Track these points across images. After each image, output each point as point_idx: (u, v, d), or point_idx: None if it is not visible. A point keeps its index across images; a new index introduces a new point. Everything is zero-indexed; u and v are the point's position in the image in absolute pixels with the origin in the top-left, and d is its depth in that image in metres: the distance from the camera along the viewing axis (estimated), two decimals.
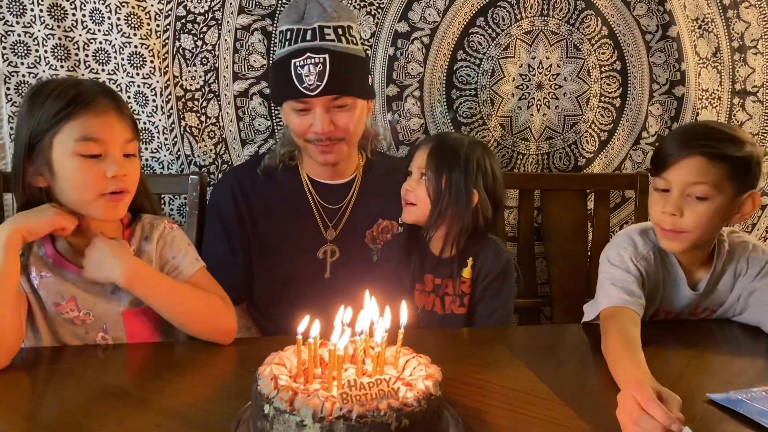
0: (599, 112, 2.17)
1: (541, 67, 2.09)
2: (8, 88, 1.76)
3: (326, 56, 1.54)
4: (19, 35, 1.74)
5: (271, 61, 1.90)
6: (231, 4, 1.86)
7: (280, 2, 1.87)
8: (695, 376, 1.18)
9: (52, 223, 1.19)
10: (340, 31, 1.57)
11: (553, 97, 2.12)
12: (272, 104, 1.93)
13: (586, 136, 2.16)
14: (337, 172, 1.71)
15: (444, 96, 2.04)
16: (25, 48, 1.75)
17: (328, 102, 1.57)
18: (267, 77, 1.92)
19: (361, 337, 0.94)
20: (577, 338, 1.39)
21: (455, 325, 1.54)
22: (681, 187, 1.31)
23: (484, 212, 1.53)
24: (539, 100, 2.11)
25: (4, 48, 1.74)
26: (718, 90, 2.24)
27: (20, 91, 1.77)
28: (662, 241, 1.38)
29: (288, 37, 1.58)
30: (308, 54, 1.54)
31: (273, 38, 1.89)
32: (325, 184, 1.72)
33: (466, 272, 1.54)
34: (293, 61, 1.55)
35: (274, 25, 1.88)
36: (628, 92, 2.18)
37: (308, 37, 1.55)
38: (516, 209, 2.09)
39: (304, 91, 1.55)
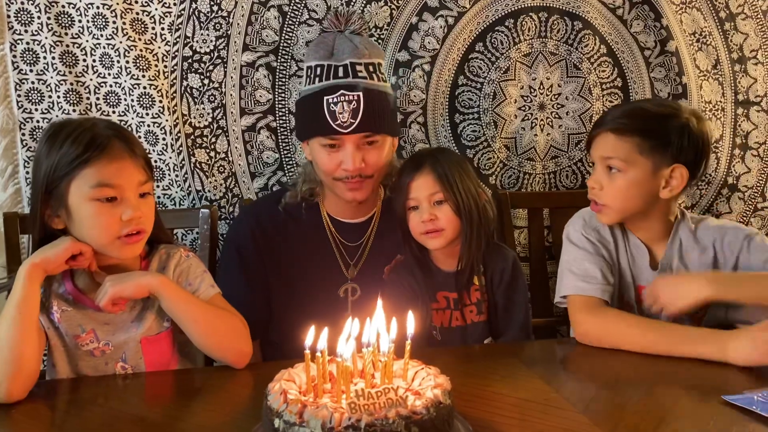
0: None
1: (542, 87, 2.12)
2: (23, 134, 1.82)
3: (360, 93, 1.53)
4: (32, 83, 1.80)
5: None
6: (235, 42, 1.91)
7: (282, 38, 1.93)
8: (709, 379, 1.17)
9: (67, 249, 1.21)
10: (371, 68, 1.57)
11: (556, 116, 2.14)
12: (279, 137, 1.97)
13: None
14: (359, 209, 1.69)
15: (447, 120, 2.07)
16: (38, 95, 1.81)
17: (359, 139, 1.55)
18: (273, 111, 1.96)
19: (369, 350, 0.95)
20: (591, 350, 1.38)
21: (478, 333, 1.54)
22: (599, 162, 1.42)
23: (491, 210, 1.59)
24: (542, 120, 2.13)
25: (19, 96, 1.80)
26: (721, 101, 2.25)
27: (35, 137, 1.82)
28: (596, 215, 1.47)
29: (318, 73, 1.57)
30: (342, 91, 1.53)
31: (279, 73, 1.94)
32: (344, 222, 1.70)
33: (477, 279, 1.55)
34: (326, 97, 1.53)
35: (278, 60, 1.93)
36: None
37: (340, 73, 1.55)
38: (526, 229, 2.09)
39: (337, 128, 1.53)
